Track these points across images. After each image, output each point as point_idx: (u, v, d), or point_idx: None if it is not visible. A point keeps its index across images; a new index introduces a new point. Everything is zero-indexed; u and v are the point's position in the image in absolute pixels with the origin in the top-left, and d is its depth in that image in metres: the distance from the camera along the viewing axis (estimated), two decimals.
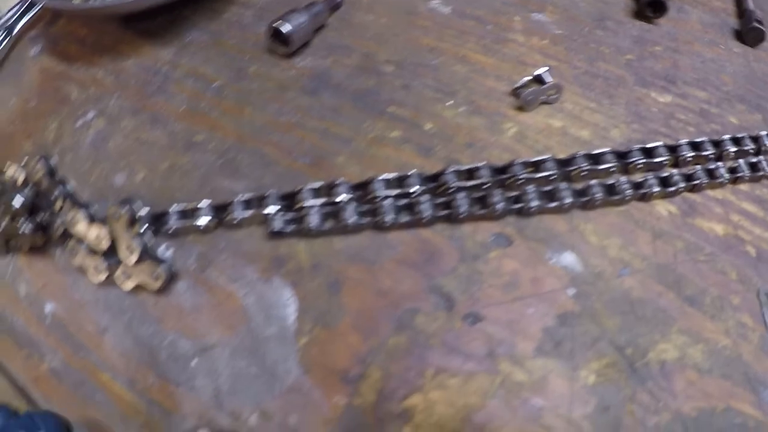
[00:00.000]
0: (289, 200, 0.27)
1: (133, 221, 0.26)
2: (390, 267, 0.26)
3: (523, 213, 0.27)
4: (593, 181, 0.27)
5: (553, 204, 0.27)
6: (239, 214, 0.27)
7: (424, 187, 0.27)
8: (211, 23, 0.37)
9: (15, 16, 0.45)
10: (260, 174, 0.29)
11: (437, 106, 0.30)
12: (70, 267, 0.29)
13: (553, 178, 0.27)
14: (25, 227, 0.29)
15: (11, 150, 0.38)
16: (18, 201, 0.28)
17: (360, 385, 0.24)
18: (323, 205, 0.27)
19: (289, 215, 0.27)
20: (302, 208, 0.27)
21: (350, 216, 0.26)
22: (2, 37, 0.43)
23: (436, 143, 0.29)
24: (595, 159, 0.28)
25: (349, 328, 0.25)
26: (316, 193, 0.27)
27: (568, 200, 0.27)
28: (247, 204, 0.27)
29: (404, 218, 0.26)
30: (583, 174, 0.28)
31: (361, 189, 0.27)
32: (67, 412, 0.26)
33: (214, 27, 0.37)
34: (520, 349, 0.24)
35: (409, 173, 0.27)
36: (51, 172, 0.29)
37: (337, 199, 0.26)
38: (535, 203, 0.27)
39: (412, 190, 0.27)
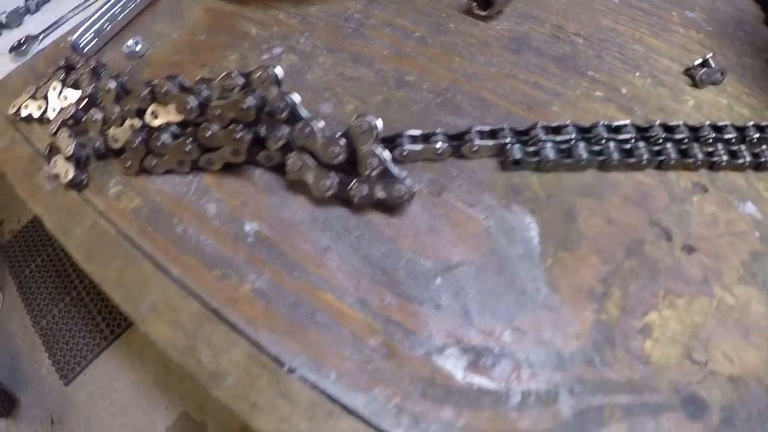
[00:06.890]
0: (523, 135, 0.30)
1: (375, 136, 0.27)
2: (615, 202, 0.29)
3: (714, 167, 0.31)
4: (764, 147, 0.33)
5: (736, 162, 0.31)
6: (478, 143, 0.29)
7: (638, 136, 0.30)
8: None
9: None
10: (481, 114, 0.31)
11: (628, 75, 0.34)
12: (273, 183, 0.28)
13: (734, 141, 0.32)
14: (245, 135, 0.28)
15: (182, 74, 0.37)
16: (250, 102, 0.27)
17: (605, 303, 0.26)
18: (556, 142, 0.29)
19: (526, 148, 0.29)
20: (537, 142, 0.29)
21: (582, 153, 0.29)
22: None
23: (635, 105, 0.33)
24: (762, 129, 0.33)
25: (589, 252, 0.27)
26: (548, 130, 0.30)
27: (748, 160, 0.32)
28: (484, 135, 0.29)
29: (625, 160, 0.30)
30: (753, 141, 0.33)
31: (587, 132, 0.30)
32: (278, 334, 0.24)
33: None
34: (726, 278, 0.28)
35: (624, 123, 0.31)
36: (278, 82, 0.29)
37: (568, 137, 0.29)
38: (725, 159, 0.31)
39: (629, 137, 0.30)
